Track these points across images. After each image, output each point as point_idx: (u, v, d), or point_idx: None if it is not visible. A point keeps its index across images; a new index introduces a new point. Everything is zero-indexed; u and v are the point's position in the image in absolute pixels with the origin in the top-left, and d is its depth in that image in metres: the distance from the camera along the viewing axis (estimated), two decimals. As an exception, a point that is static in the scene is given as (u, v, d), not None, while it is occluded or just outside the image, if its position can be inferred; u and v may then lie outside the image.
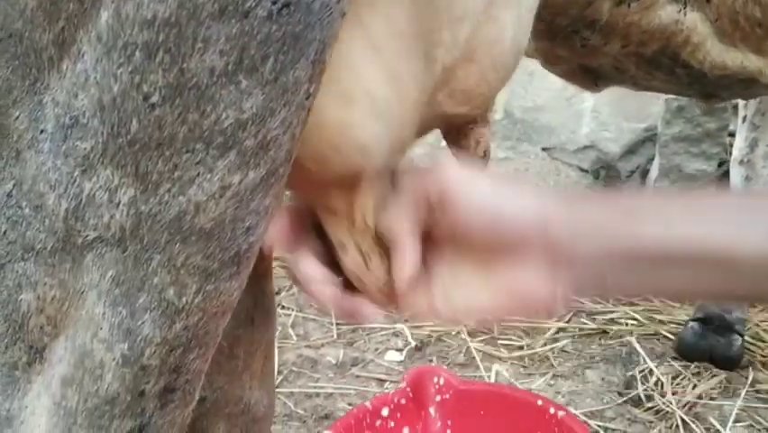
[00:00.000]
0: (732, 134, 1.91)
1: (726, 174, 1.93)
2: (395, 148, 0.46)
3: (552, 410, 0.62)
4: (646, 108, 2.20)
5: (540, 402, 0.64)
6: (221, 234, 0.39)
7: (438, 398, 0.66)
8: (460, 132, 0.50)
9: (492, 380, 1.39)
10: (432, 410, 0.65)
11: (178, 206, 0.38)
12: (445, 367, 0.69)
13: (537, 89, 2.26)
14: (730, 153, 1.96)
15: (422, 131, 0.49)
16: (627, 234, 0.46)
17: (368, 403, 0.64)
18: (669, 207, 0.47)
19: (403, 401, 0.65)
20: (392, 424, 0.64)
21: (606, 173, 2.21)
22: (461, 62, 0.45)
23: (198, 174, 0.37)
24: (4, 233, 0.39)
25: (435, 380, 0.66)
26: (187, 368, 0.43)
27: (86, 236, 0.38)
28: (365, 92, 0.41)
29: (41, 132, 0.37)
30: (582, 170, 2.36)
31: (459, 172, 0.47)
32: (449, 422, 0.66)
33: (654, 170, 2.00)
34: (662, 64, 0.57)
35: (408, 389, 0.65)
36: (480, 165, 0.55)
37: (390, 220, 0.48)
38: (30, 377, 0.41)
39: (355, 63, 0.41)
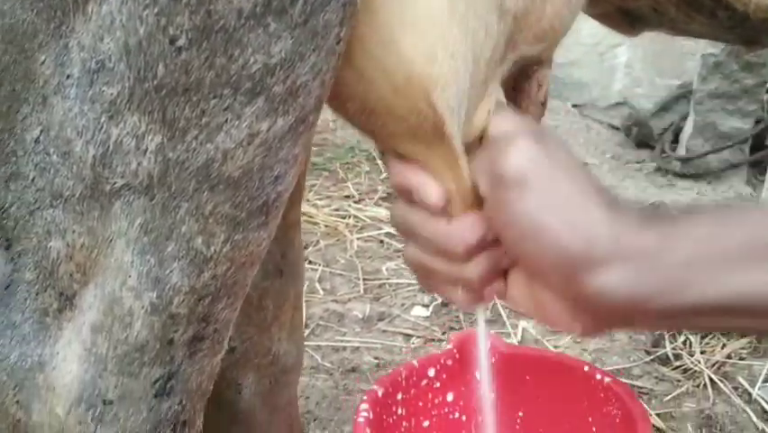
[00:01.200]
0: (770, 91, 1.85)
1: (762, 133, 1.88)
2: (472, 103, 0.44)
3: (598, 376, 0.62)
4: (681, 64, 2.15)
5: (587, 368, 0.63)
6: (249, 183, 0.39)
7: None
8: (523, 74, 0.48)
9: (518, 337, 1.39)
10: (477, 374, 0.65)
11: (205, 153, 0.37)
12: (492, 332, 0.68)
13: (569, 44, 2.20)
14: (767, 111, 1.91)
15: (497, 79, 0.47)
16: (674, 293, 0.41)
17: (415, 361, 0.64)
18: (724, 248, 0.41)
19: (449, 363, 0.64)
20: (437, 385, 0.64)
21: (638, 131, 2.16)
22: (533, 7, 0.44)
23: (226, 121, 0.37)
24: (33, 180, 0.39)
25: None
26: (215, 317, 0.43)
27: (114, 183, 0.38)
28: (445, 48, 0.39)
29: (68, 77, 0.37)
30: (613, 127, 2.32)
31: (515, 167, 0.43)
32: (494, 386, 0.65)
33: (688, 128, 1.95)
34: (703, 6, 0.54)
35: (455, 351, 0.65)
36: (539, 114, 0.53)
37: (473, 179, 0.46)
38: (60, 324, 0.41)
39: (435, 16, 0.39)
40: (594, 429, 0.62)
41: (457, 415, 0.65)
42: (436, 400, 0.65)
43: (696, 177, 1.98)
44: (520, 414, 0.65)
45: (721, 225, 0.42)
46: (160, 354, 0.41)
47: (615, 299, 0.42)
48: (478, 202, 0.46)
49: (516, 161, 0.43)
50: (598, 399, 0.61)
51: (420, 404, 0.63)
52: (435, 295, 1.54)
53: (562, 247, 0.42)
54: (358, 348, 1.39)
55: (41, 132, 0.38)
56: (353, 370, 1.33)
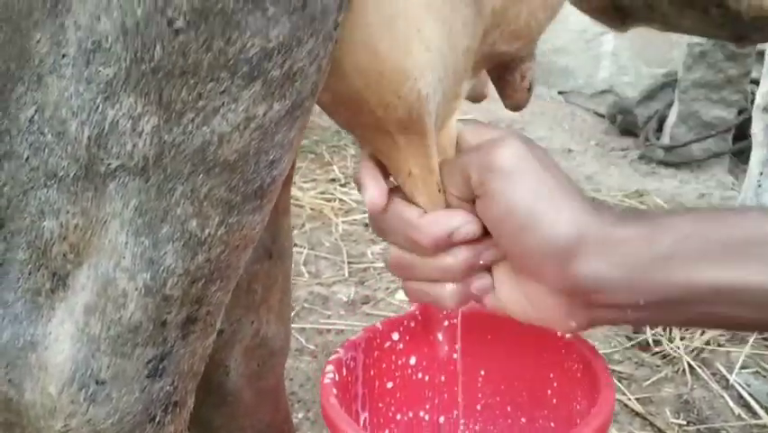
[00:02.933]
0: (754, 81, 1.87)
1: (744, 123, 1.90)
2: (448, 95, 0.45)
3: (559, 333, 0.61)
4: (667, 53, 2.16)
5: None
6: (244, 167, 0.39)
7: (446, 323, 0.66)
8: (506, 68, 0.49)
9: (501, 321, 1.40)
10: (439, 335, 0.66)
11: (201, 136, 0.37)
12: None
13: (556, 31, 2.21)
14: (751, 102, 1.93)
15: (474, 71, 0.48)
16: (660, 281, 0.43)
17: (378, 324, 0.64)
18: (707, 243, 0.43)
19: (412, 325, 0.65)
20: (401, 346, 0.64)
21: (623, 119, 2.18)
22: (510, 4, 0.44)
23: (223, 104, 0.37)
24: (27, 159, 0.39)
25: None
26: (208, 300, 0.43)
27: (109, 165, 0.38)
28: (421, 41, 0.40)
29: (63, 56, 0.37)
30: (599, 114, 2.33)
31: (508, 160, 0.44)
32: (456, 346, 0.66)
33: (672, 117, 1.97)
34: (695, 3, 0.55)
35: (418, 312, 0.65)
36: (524, 98, 0.54)
37: (445, 184, 0.47)
38: (53, 304, 0.41)
39: (411, 13, 0.40)
40: (555, 384, 0.62)
41: (420, 375, 0.66)
42: (399, 362, 0.65)
43: (679, 165, 2.00)
44: (482, 372, 0.66)
45: (701, 223, 0.44)
46: (153, 336, 0.42)
47: (607, 286, 0.44)
48: (441, 193, 0.48)
49: (510, 154, 0.45)
50: (560, 355, 0.61)
51: (384, 366, 0.63)
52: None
53: (556, 236, 0.44)
54: (342, 331, 1.40)
55: (36, 111, 0.38)
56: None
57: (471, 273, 0.49)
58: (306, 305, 1.47)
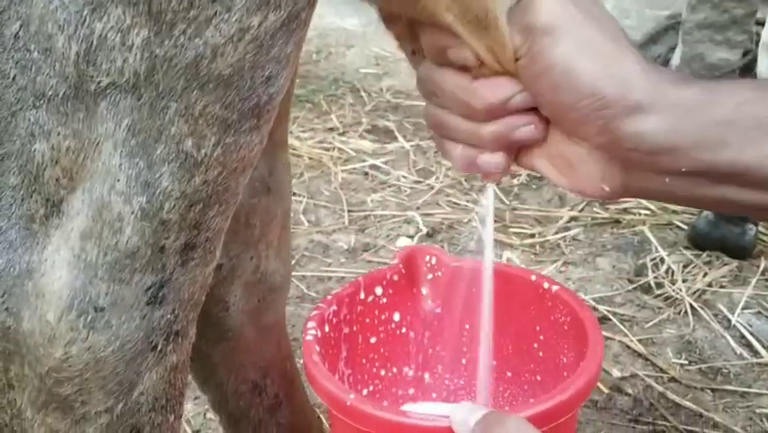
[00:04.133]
0: (759, 23, 1.83)
1: (749, 65, 1.87)
2: None
3: (546, 285, 0.61)
4: (670, -5, 2.12)
5: (533, 277, 0.62)
6: (240, 82, 0.38)
7: (430, 276, 0.64)
8: None
9: (503, 267, 1.40)
10: (423, 289, 0.65)
11: (194, 49, 0.36)
12: (443, 249, 0.67)
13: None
14: (756, 42, 1.89)
15: None
16: (710, 149, 0.41)
17: (360, 279, 0.63)
18: (760, 115, 0.41)
19: (395, 278, 0.64)
20: (384, 301, 0.63)
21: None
22: None
23: (215, 14, 0.35)
24: (14, 78, 0.37)
25: (427, 259, 0.64)
26: (207, 225, 0.42)
27: (99, 82, 0.37)
28: None
29: (47, -33, 0.35)
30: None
31: (547, 15, 0.42)
32: (439, 301, 0.65)
33: (676, 59, 1.93)
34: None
35: (401, 266, 0.64)
36: None
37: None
38: (48, 231, 0.40)
39: None
40: (541, 337, 0.62)
41: (404, 330, 0.65)
42: (383, 317, 0.64)
43: (681, 110, 1.97)
44: (467, 326, 0.65)
45: (760, 93, 0.42)
46: (151, 261, 0.41)
47: (652, 144, 0.42)
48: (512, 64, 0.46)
49: (547, 8, 0.43)
50: (546, 307, 0.60)
51: (367, 321, 0.63)
52: (420, 225, 1.55)
53: (597, 91, 0.42)
54: (343, 278, 1.40)
55: (21, 26, 0.36)
56: (339, 299, 1.34)
57: (502, 146, 0.48)
58: (306, 253, 1.47)
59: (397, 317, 0.64)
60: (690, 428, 1.02)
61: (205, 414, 1.05)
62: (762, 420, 1.03)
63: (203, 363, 0.63)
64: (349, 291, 0.61)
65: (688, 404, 1.05)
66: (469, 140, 0.47)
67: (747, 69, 1.87)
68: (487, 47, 0.44)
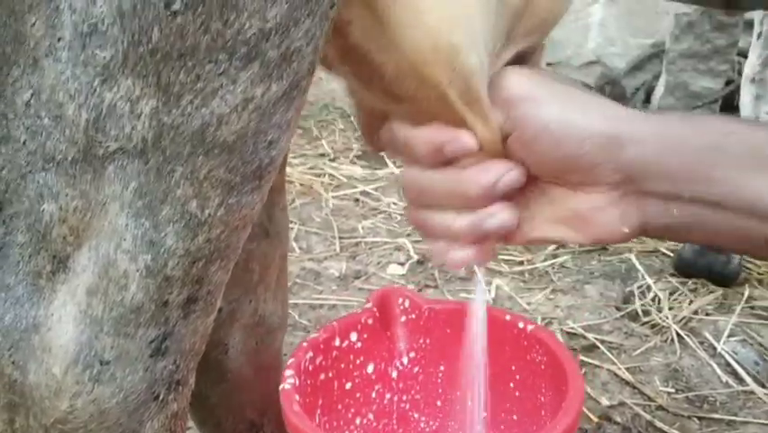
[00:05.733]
0: (741, 53, 1.87)
1: (732, 94, 1.91)
2: (490, 65, 0.45)
3: (521, 325, 0.61)
4: (654, 24, 2.16)
5: (508, 317, 0.62)
6: (243, 148, 0.39)
7: (403, 318, 0.65)
8: (521, 59, 0.49)
9: (492, 294, 1.41)
10: (397, 331, 0.65)
11: (200, 118, 0.37)
12: (415, 291, 0.67)
13: (544, 2, 2.20)
14: (738, 72, 1.93)
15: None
16: (704, 172, 0.43)
17: (335, 323, 0.63)
18: (749, 144, 0.43)
19: (370, 322, 0.64)
20: (359, 345, 0.63)
21: (611, 90, 2.18)
22: None
23: (221, 86, 0.37)
24: (24, 143, 0.39)
25: (400, 301, 0.64)
26: (209, 279, 0.43)
27: (108, 147, 0.38)
28: (466, 18, 0.41)
29: (59, 39, 0.36)
30: (587, 86, 2.33)
31: (519, 85, 0.44)
32: (414, 343, 0.65)
33: (660, 88, 1.97)
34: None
35: (375, 309, 0.64)
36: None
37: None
38: (54, 286, 0.42)
39: None
40: (518, 377, 0.62)
41: (378, 375, 0.65)
42: (358, 361, 0.64)
43: (666, 136, 2.00)
44: (441, 368, 0.65)
45: (740, 125, 0.45)
46: (155, 316, 0.42)
47: (654, 170, 0.44)
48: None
49: (516, 78, 0.45)
50: (522, 347, 0.61)
51: (342, 366, 0.63)
52: (411, 253, 1.56)
53: (598, 130, 0.44)
54: (335, 306, 1.41)
55: (32, 95, 0.38)
56: (331, 327, 1.35)
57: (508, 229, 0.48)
58: (298, 280, 1.48)
59: (371, 361, 0.65)
60: (677, 456, 1.04)
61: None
62: (747, 449, 1.05)
63: (201, 403, 0.64)
64: (324, 337, 0.61)
65: (675, 432, 1.07)
66: (464, 234, 0.48)
67: (730, 99, 1.91)
68: (484, 125, 0.45)
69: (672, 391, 1.16)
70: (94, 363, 0.42)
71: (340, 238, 1.62)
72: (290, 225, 1.67)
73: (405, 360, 0.66)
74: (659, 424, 1.08)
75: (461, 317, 0.62)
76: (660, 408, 1.12)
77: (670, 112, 0.46)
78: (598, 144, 0.44)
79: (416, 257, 1.54)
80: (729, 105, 1.93)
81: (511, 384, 0.63)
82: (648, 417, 1.09)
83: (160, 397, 0.44)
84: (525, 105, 0.44)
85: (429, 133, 0.46)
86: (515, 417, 0.64)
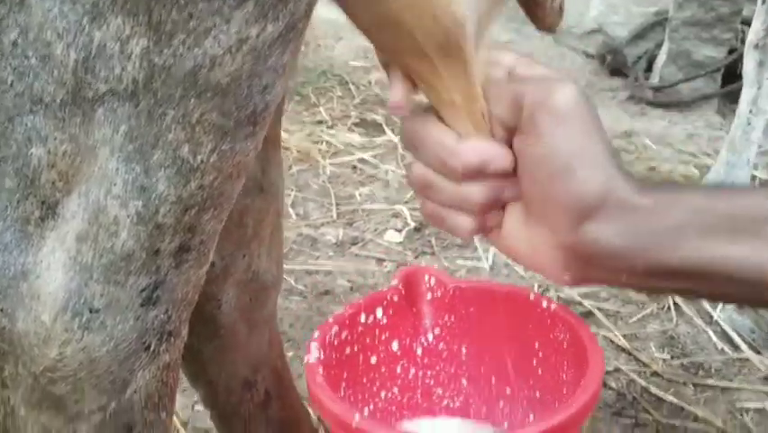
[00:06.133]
0: (745, 22, 1.85)
1: (735, 63, 1.89)
2: (483, 22, 0.45)
3: (544, 304, 0.61)
4: (658, -9, 2.13)
5: (532, 297, 0.63)
6: (237, 91, 0.38)
7: (429, 296, 0.65)
8: None
9: (489, 262, 1.41)
10: (423, 308, 0.66)
11: (192, 59, 0.36)
12: (442, 270, 0.68)
13: (546, -32, 2.17)
14: (741, 41, 1.91)
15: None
16: (664, 253, 0.44)
17: (361, 301, 0.64)
18: (716, 218, 0.44)
19: (395, 299, 0.64)
20: (384, 321, 0.64)
21: (612, 59, 2.16)
22: None
23: (214, 25, 0.36)
24: (11, 84, 0.38)
25: (426, 279, 0.65)
26: (202, 228, 0.43)
27: (97, 89, 0.37)
28: None
29: (46, -25, 0.35)
30: (588, 55, 2.31)
31: (566, 102, 0.44)
32: (439, 320, 0.66)
33: (662, 56, 1.95)
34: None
35: (401, 286, 0.65)
36: (556, 20, 0.53)
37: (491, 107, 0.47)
38: (43, 233, 0.41)
39: None
40: (541, 354, 0.63)
41: (404, 350, 0.66)
42: (383, 337, 0.65)
43: (668, 106, 1.99)
44: (465, 346, 0.66)
45: (713, 199, 0.45)
46: (146, 264, 0.41)
47: (609, 249, 0.44)
48: (484, 121, 0.46)
49: (568, 97, 0.44)
50: (545, 325, 0.61)
51: (367, 341, 0.64)
52: (408, 220, 1.56)
53: (586, 191, 0.44)
54: (331, 272, 1.41)
55: (19, 34, 0.37)
56: (327, 293, 1.35)
57: (490, 208, 0.49)
58: (294, 246, 1.47)
59: (396, 337, 0.66)
60: (671, 421, 1.04)
61: (193, 406, 1.06)
62: (741, 414, 1.05)
63: (194, 359, 0.63)
64: (349, 313, 0.62)
65: (670, 398, 1.07)
66: (457, 202, 0.48)
67: (732, 68, 1.90)
68: (457, 90, 0.45)
69: (668, 357, 1.16)
70: (83, 310, 0.41)
71: (337, 205, 1.61)
72: (287, 192, 1.66)
73: (430, 337, 0.67)
74: (654, 390, 1.08)
75: (486, 297, 0.64)
76: (655, 374, 1.12)
77: (651, 186, 0.46)
78: (573, 208, 0.44)
79: (413, 224, 1.54)
80: (732, 74, 1.92)
81: (534, 362, 0.64)
82: (643, 383, 1.10)
83: (152, 347, 0.44)
84: (554, 125, 0.44)
85: (395, 83, 0.47)
86: (537, 394, 0.64)
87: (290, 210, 1.59)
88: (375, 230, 1.54)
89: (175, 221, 0.41)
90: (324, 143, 1.88)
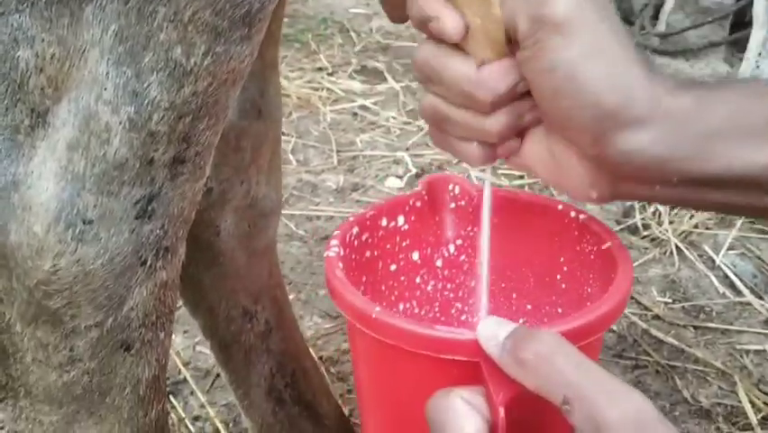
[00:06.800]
0: (755, -35, 1.81)
1: (743, 9, 1.85)
2: None
3: (572, 214, 0.58)
4: (666, -63, 2.08)
5: (560, 207, 0.59)
6: (231, -12, 0.37)
7: (453, 205, 0.62)
8: None
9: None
10: (446, 217, 0.63)
11: (183, -50, 0.35)
12: (467, 178, 0.64)
13: None
14: (750, -14, 1.87)
15: None
16: (700, 160, 0.40)
17: (383, 203, 0.60)
18: (751, 122, 0.40)
19: (418, 204, 0.61)
20: (406, 228, 0.61)
21: (618, 5, 2.12)
22: None
23: None
24: (-5, -20, 0.36)
25: (451, 187, 0.62)
26: (196, 139, 0.41)
27: (85, -15, 0.36)
28: None
29: None
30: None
31: (563, 10, 0.40)
32: (461, 231, 0.64)
33: (669, 3, 1.91)
34: None
35: (424, 193, 0.62)
36: None
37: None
38: (33, 142, 0.40)
39: None
40: (565, 268, 0.59)
41: (424, 259, 0.63)
42: (404, 244, 0.62)
43: (674, 54, 1.96)
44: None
45: (751, 99, 0.41)
46: (140, 174, 0.40)
47: (643, 160, 0.41)
48: (505, 44, 0.43)
49: (565, 4, 0.40)
50: (572, 237, 0.58)
51: (388, 247, 0.61)
52: (410, 166, 1.54)
53: (599, 102, 0.40)
54: (332, 217, 1.40)
55: (2, -75, 0.35)
56: (326, 238, 1.34)
57: (510, 137, 0.46)
58: (294, 192, 1.46)
59: (417, 246, 0.63)
60: (671, 363, 1.04)
61: (194, 347, 1.06)
62: (741, 356, 1.05)
63: (194, 287, 0.63)
64: (371, 215, 0.59)
65: (670, 340, 1.07)
66: (474, 134, 0.45)
67: (741, 14, 1.86)
68: (475, 14, 0.42)
69: (669, 301, 1.15)
70: (76, 221, 0.40)
71: (338, 151, 1.60)
72: (287, 138, 1.64)
73: (451, 248, 0.64)
74: (654, 332, 1.08)
75: (511, 206, 0.60)
76: (656, 317, 1.12)
77: (685, 84, 0.42)
78: (594, 116, 0.41)
79: (414, 170, 1.52)
80: (740, 20, 1.88)
81: (558, 276, 0.61)
82: (644, 325, 1.10)
83: (148, 262, 0.43)
84: (552, 36, 0.40)
85: (423, 2, 0.43)
86: (559, 309, 0.61)
87: (290, 156, 1.57)
88: (376, 176, 1.53)
89: (169, 129, 0.39)
90: (325, 90, 1.85)
